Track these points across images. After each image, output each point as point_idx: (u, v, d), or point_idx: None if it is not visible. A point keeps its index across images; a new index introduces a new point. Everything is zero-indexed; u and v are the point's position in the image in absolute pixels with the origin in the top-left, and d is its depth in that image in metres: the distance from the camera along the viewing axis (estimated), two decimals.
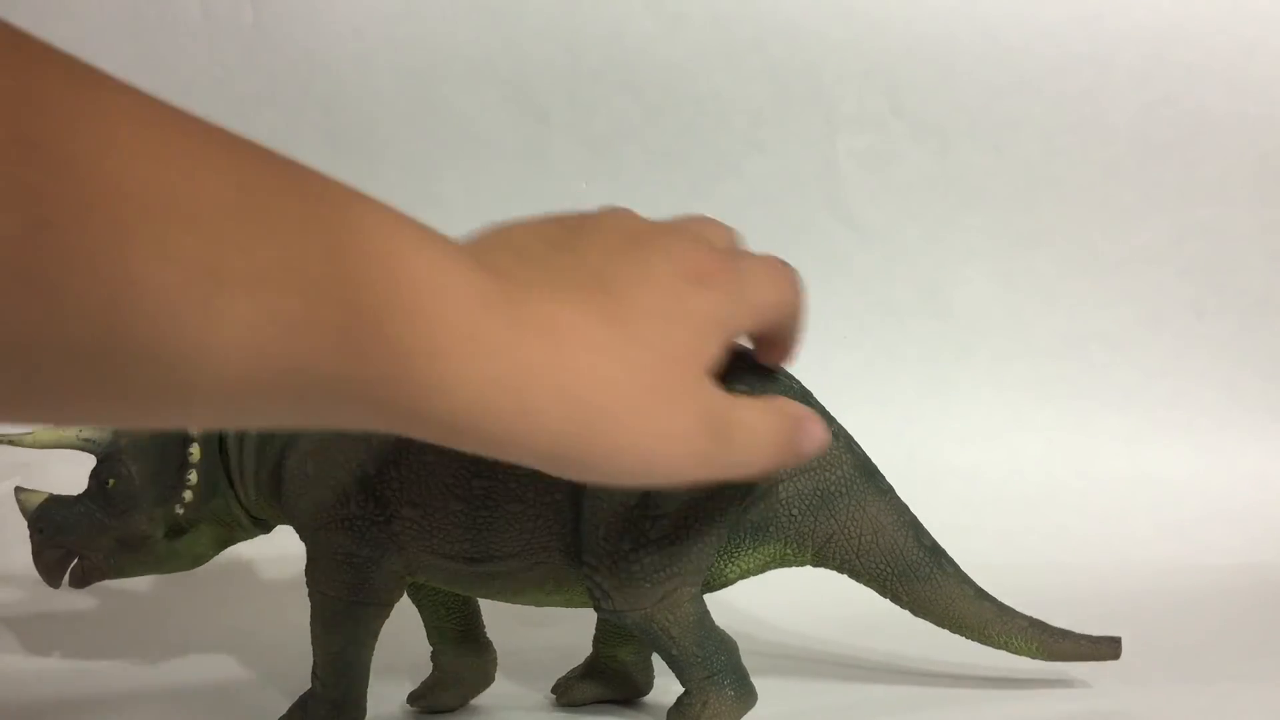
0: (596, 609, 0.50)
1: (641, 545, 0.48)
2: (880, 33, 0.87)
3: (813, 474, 0.51)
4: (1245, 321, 0.87)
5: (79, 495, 0.55)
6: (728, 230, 0.46)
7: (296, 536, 0.53)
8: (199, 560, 0.57)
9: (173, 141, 0.30)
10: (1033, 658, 0.54)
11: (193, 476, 0.53)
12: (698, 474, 0.39)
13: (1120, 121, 0.87)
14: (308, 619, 0.52)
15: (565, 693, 0.56)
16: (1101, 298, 0.88)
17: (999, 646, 0.53)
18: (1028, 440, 0.87)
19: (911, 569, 0.52)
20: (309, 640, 0.52)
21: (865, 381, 0.87)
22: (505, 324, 0.34)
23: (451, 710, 0.56)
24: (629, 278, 0.38)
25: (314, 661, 0.53)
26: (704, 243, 0.41)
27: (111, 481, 0.54)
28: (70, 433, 0.55)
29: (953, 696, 0.56)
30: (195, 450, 0.53)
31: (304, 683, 0.53)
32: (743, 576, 0.52)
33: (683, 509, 0.48)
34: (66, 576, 0.56)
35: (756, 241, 0.92)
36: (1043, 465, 0.85)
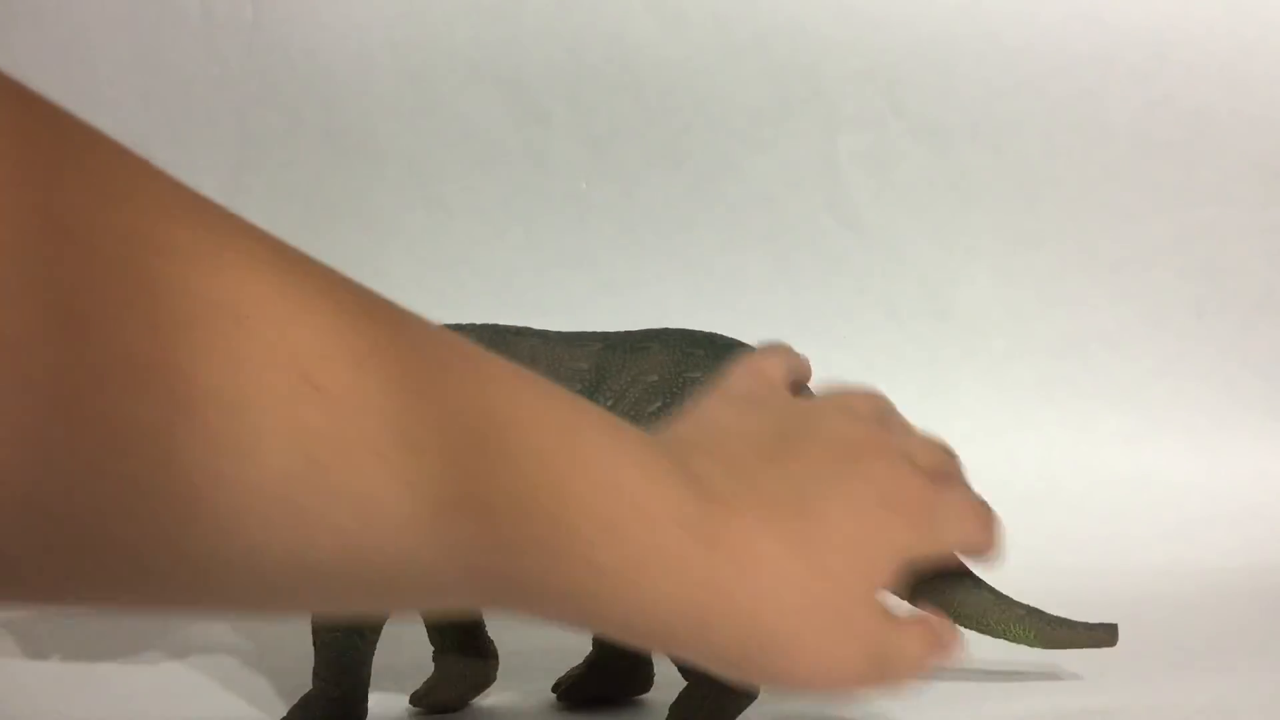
0: None
1: None
2: (881, 33, 0.87)
3: None
4: (1245, 322, 0.87)
5: None
6: (942, 450, 0.48)
7: None
8: None
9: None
10: (1030, 645, 0.54)
11: None
12: (856, 690, 0.41)
13: (1121, 122, 0.87)
14: (308, 619, 0.52)
15: (566, 691, 0.56)
16: (1102, 298, 0.88)
17: (997, 635, 0.53)
18: (1028, 440, 0.87)
19: None
20: (309, 640, 0.52)
21: (865, 381, 0.87)
22: (703, 548, 0.35)
23: (453, 710, 0.56)
24: (830, 502, 0.39)
25: (315, 661, 0.52)
26: (913, 467, 0.43)
27: None
28: None
29: (952, 691, 0.56)
30: None
31: (305, 682, 0.53)
32: None
33: None
34: None
35: (757, 241, 0.92)
36: (1043, 464, 0.85)
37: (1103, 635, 0.54)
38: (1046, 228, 0.88)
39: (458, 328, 0.52)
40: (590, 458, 0.32)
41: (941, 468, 0.46)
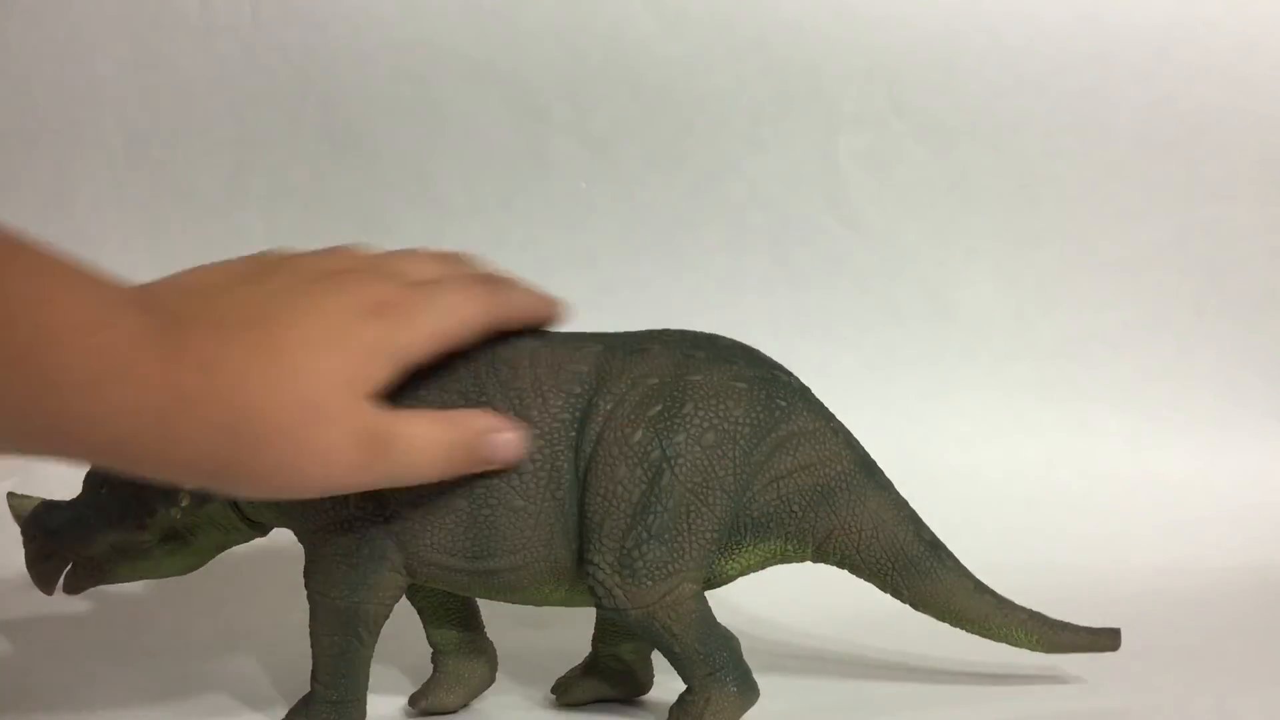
0: (598, 607, 0.50)
1: (644, 541, 0.48)
2: (881, 32, 0.87)
3: (812, 470, 0.51)
4: (1247, 322, 0.87)
5: (72, 500, 0.55)
6: (452, 260, 0.51)
7: (293, 537, 0.53)
8: (194, 565, 0.57)
9: None
10: (1033, 650, 0.54)
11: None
12: (355, 482, 0.44)
13: (1122, 121, 0.87)
14: (307, 619, 0.52)
15: (566, 692, 0.56)
16: (1103, 298, 0.88)
17: (1000, 639, 0.54)
18: (1029, 440, 0.87)
19: (912, 563, 0.52)
20: (308, 640, 0.52)
21: (866, 382, 0.87)
22: (156, 357, 0.38)
23: (452, 712, 0.56)
24: (297, 312, 0.43)
25: (313, 663, 0.52)
26: (393, 278, 0.47)
27: (105, 488, 0.54)
28: None
29: (954, 694, 0.56)
30: None
31: (304, 683, 0.53)
32: (743, 573, 0.52)
33: (682, 503, 0.49)
34: (60, 582, 0.55)
35: (757, 241, 0.92)
36: (1044, 465, 0.85)
37: (1105, 640, 0.54)
38: (1048, 227, 0.88)
39: None
40: (48, 291, 0.36)
41: (433, 276, 0.48)
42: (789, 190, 0.89)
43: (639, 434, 0.49)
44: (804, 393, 0.53)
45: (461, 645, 0.56)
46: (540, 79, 0.89)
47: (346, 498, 0.49)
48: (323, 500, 0.49)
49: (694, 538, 0.49)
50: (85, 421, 0.37)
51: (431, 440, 0.46)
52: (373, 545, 0.50)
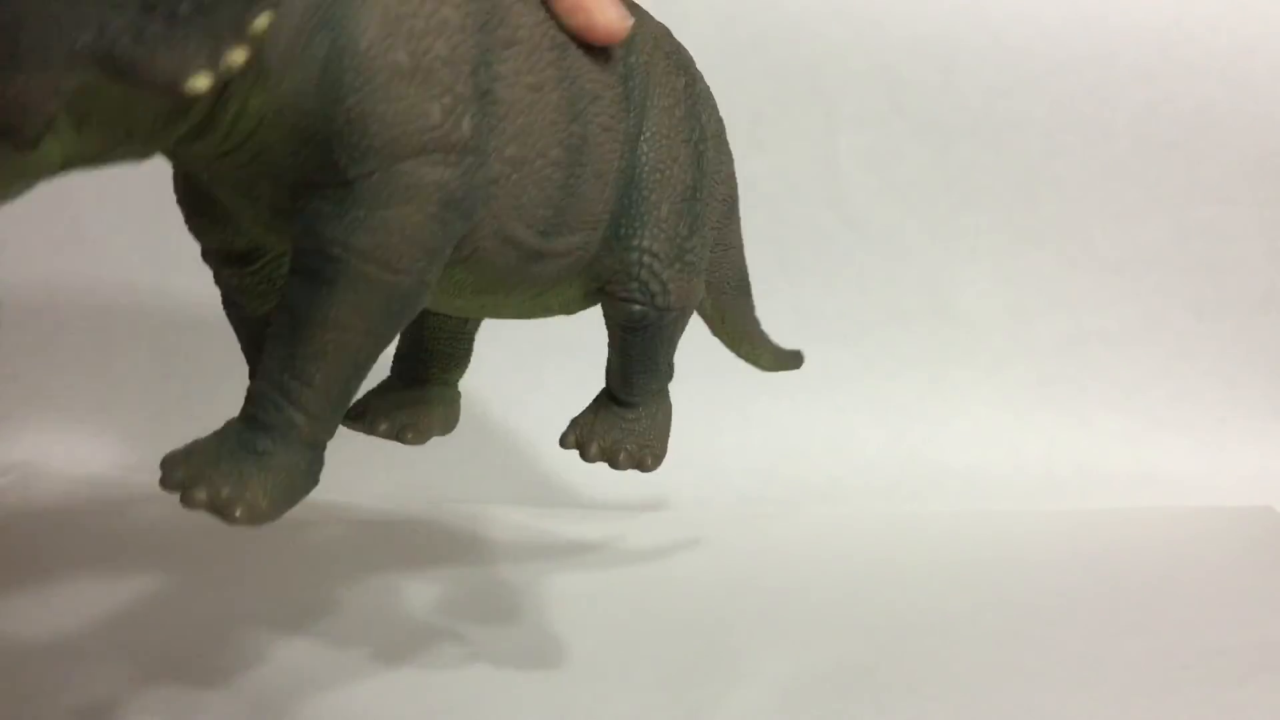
0: (640, 314, 0.43)
1: (695, 231, 0.44)
2: (881, 32, 0.87)
3: (729, 186, 0.52)
4: (1246, 321, 0.87)
5: None
6: None
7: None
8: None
9: None
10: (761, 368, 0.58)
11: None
12: None
13: (1121, 121, 0.87)
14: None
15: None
16: (1102, 297, 0.88)
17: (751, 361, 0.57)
18: (1028, 440, 0.87)
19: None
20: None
21: (866, 381, 0.87)
22: None
23: (419, 437, 0.48)
24: None
25: (298, 364, 0.35)
26: None
27: None
28: None
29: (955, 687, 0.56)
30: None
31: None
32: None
33: (711, 194, 0.45)
34: None
35: (758, 241, 0.92)
36: (1044, 465, 0.85)
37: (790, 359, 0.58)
38: (1047, 227, 0.88)
39: None
40: None
41: None
42: (789, 190, 0.89)
43: (681, 110, 0.44)
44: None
45: (450, 348, 0.50)
46: None
47: (454, 109, 0.35)
48: (428, 105, 0.35)
49: (711, 234, 0.46)
50: None
51: None
52: (474, 196, 0.36)
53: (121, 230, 0.91)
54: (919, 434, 0.86)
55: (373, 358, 0.36)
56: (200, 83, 0.29)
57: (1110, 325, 0.88)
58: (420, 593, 0.65)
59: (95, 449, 0.81)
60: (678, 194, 0.42)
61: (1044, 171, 0.88)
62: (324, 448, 0.36)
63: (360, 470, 0.67)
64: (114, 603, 0.67)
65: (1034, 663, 0.58)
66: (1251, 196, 0.87)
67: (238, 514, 0.33)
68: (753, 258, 0.92)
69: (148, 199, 0.94)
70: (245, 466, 0.34)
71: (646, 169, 0.42)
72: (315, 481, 0.36)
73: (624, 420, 0.45)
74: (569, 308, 0.45)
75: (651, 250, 0.42)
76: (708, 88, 0.46)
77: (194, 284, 0.89)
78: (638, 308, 0.43)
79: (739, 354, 0.56)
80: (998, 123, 0.88)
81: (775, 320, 0.90)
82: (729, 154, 0.49)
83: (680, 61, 0.45)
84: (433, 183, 0.34)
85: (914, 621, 0.54)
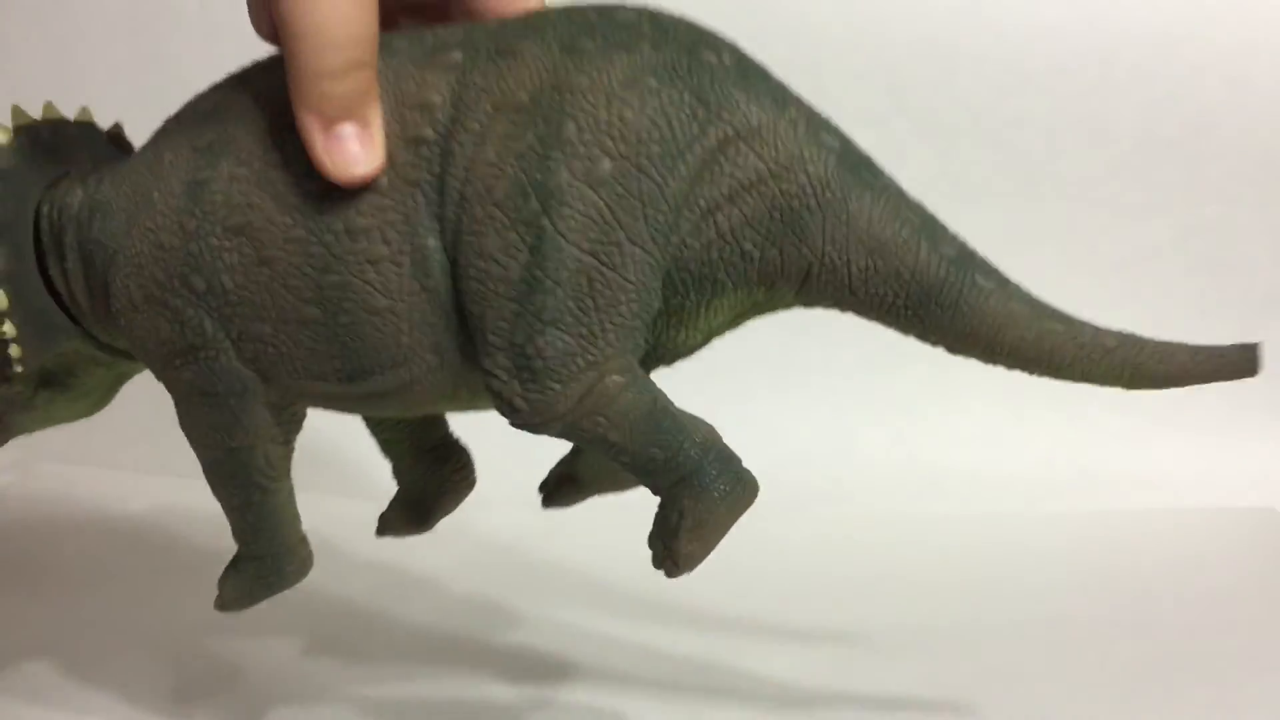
0: (520, 426, 0.39)
1: (537, 332, 0.36)
2: (883, 31, 0.87)
3: (764, 187, 0.38)
4: (1248, 321, 0.87)
5: None
6: None
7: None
8: (97, 403, 0.50)
9: None
10: (1128, 388, 0.42)
11: (7, 329, 0.43)
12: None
13: (1123, 120, 0.87)
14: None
15: (550, 497, 0.49)
16: (1103, 297, 0.88)
17: (1079, 378, 0.42)
18: (1029, 440, 0.87)
19: (932, 292, 0.40)
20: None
21: (866, 381, 0.87)
22: None
23: (423, 531, 0.50)
24: None
25: (230, 524, 0.45)
26: None
27: None
28: None
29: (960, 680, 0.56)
30: (1, 298, 0.43)
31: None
32: (708, 339, 0.42)
33: (579, 271, 0.37)
34: None
35: None
36: (1044, 465, 0.85)
37: (1242, 359, 0.43)
38: (1049, 226, 0.88)
39: None
40: None
41: None
42: None
43: (504, 183, 0.36)
44: (743, 75, 0.40)
45: (420, 452, 0.48)
46: None
47: (183, 323, 0.40)
48: (157, 324, 0.41)
49: (605, 314, 0.37)
50: None
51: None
52: (228, 378, 0.40)
53: None
54: (920, 434, 0.85)
55: (251, 507, 0.43)
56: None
57: (1112, 324, 0.88)
58: (419, 592, 0.65)
59: (95, 447, 0.81)
60: (502, 295, 0.36)
61: (1046, 170, 0.87)
62: (285, 558, 0.45)
63: (360, 471, 0.67)
64: (114, 602, 0.67)
65: (1035, 663, 0.58)
66: (1253, 196, 0.87)
67: (215, 603, 0.47)
68: None
69: None
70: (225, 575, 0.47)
71: (460, 278, 0.37)
72: (280, 578, 0.46)
73: (660, 516, 0.40)
74: (478, 406, 0.42)
75: (486, 368, 0.37)
76: (599, 123, 0.37)
77: None
78: (512, 422, 0.39)
79: (1055, 376, 0.41)
80: (998, 123, 0.87)
81: (775, 320, 0.90)
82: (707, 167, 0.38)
83: (533, 112, 0.37)
84: (185, 381, 0.41)
85: (914, 621, 0.54)
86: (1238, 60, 0.85)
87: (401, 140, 0.38)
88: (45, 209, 0.44)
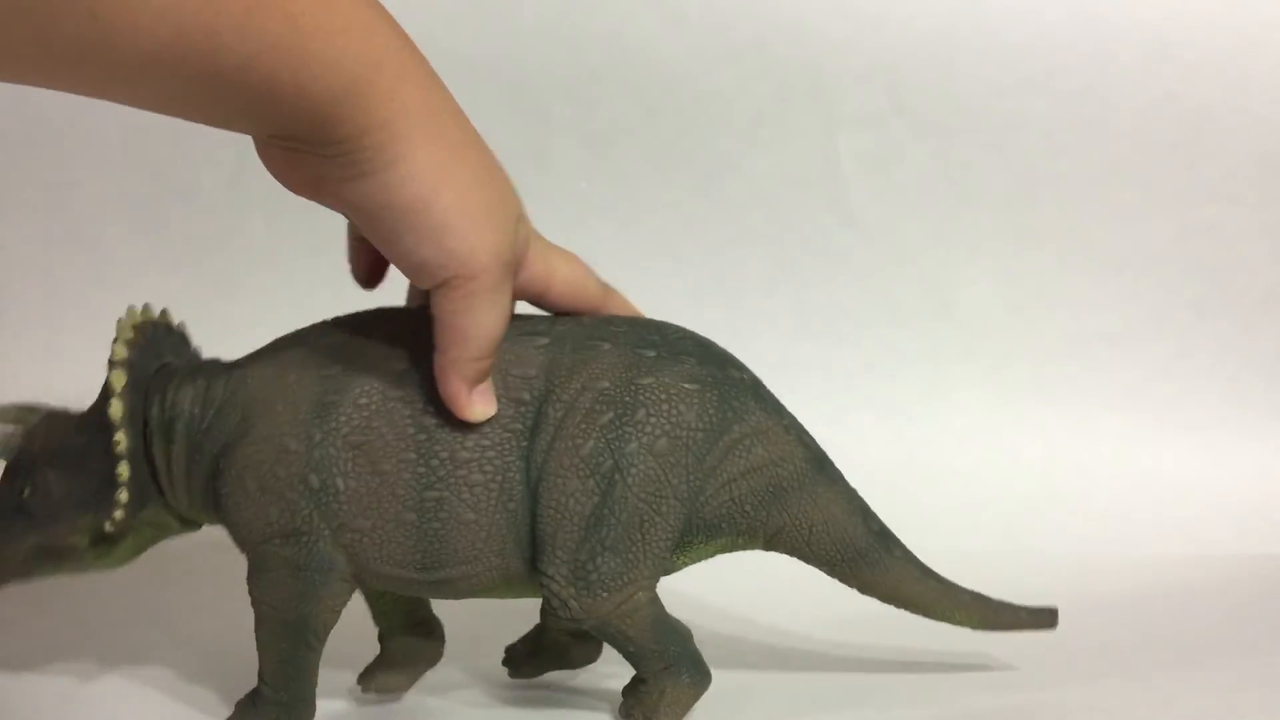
0: (553, 616, 0.50)
1: (598, 554, 0.49)
2: (881, 31, 0.87)
3: (765, 471, 0.52)
4: (1248, 321, 0.87)
5: None
6: None
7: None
8: (124, 561, 0.55)
9: None
10: (975, 628, 0.56)
11: (123, 495, 0.51)
12: (497, 267, 0.48)
13: (1122, 120, 0.87)
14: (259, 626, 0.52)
15: (517, 668, 0.58)
16: (1103, 297, 0.88)
17: (943, 619, 0.55)
18: (1029, 440, 0.87)
19: (861, 554, 0.53)
20: (254, 649, 0.52)
21: (866, 381, 0.87)
22: (386, 98, 0.46)
23: (401, 691, 0.57)
24: (476, 150, 0.51)
25: (260, 664, 0.52)
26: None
27: (27, 490, 0.51)
28: None
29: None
30: (124, 470, 0.51)
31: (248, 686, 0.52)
32: (691, 564, 0.53)
33: (636, 514, 0.49)
34: None
35: (757, 240, 0.92)
36: (1044, 465, 0.85)
37: (1044, 618, 0.56)
38: (1048, 227, 0.88)
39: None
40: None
41: None
42: (789, 190, 0.89)
43: (590, 444, 0.49)
44: (756, 390, 0.53)
45: (408, 624, 0.57)
46: (540, 79, 0.89)
47: (294, 511, 0.50)
48: (267, 509, 0.50)
49: (648, 547, 0.50)
50: (312, 63, 0.42)
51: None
52: (321, 558, 0.50)
53: (121, 230, 0.91)
54: (919, 434, 0.86)
55: (293, 661, 0.51)
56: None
57: (1111, 325, 0.88)
58: None
59: None
60: (575, 524, 0.49)
61: (1045, 170, 0.87)
62: (305, 708, 0.52)
63: None
64: (113, 602, 0.67)
65: (1036, 663, 0.58)
66: (1253, 196, 0.87)
67: None
68: (753, 257, 0.92)
69: (148, 199, 0.94)
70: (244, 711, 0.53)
71: (540, 506, 0.49)
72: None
73: (637, 690, 0.52)
74: (522, 595, 0.52)
75: (547, 573, 0.49)
76: (660, 411, 0.50)
77: (195, 284, 0.90)
78: (555, 616, 0.50)
79: (927, 616, 0.55)
80: (998, 123, 0.87)
81: (776, 320, 0.90)
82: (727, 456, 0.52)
83: (612, 397, 0.50)
84: (281, 556, 0.50)
85: (915, 621, 0.54)
86: (1238, 60, 0.85)
87: (505, 398, 0.50)
88: (155, 397, 0.52)
